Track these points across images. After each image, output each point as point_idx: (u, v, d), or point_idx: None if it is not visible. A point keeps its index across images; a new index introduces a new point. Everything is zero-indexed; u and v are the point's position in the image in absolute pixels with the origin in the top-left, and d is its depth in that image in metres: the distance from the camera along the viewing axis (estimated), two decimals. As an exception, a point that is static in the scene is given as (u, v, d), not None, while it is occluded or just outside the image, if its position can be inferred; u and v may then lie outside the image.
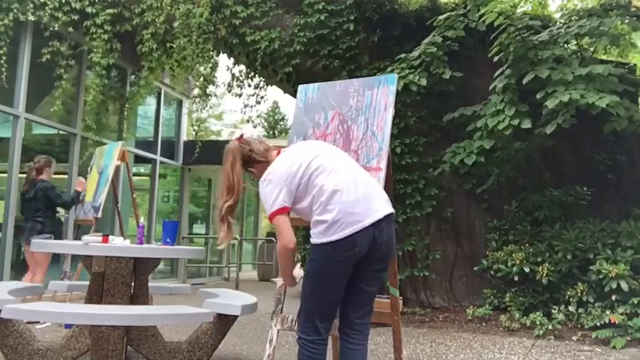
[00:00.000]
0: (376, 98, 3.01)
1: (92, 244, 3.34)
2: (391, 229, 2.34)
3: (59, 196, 5.42)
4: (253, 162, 2.49)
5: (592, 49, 6.09)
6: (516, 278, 5.45)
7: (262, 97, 8.04)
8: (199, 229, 12.46)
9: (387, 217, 2.30)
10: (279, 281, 2.87)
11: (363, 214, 2.22)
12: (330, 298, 2.29)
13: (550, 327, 5.02)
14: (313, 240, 2.25)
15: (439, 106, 6.44)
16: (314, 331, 2.28)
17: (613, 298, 4.90)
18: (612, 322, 4.73)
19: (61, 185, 7.56)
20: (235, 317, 3.51)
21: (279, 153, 2.50)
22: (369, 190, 2.32)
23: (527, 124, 5.10)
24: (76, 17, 6.75)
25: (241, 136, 2.56)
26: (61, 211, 5.86)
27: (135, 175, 9.28)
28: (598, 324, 4.84)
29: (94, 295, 3.45)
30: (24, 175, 5.79)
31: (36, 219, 5.25)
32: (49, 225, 5.31)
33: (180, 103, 10.84)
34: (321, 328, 2.28)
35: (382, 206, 2.30)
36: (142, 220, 4.03)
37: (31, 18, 6.48)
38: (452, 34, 5.88)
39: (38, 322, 4.75)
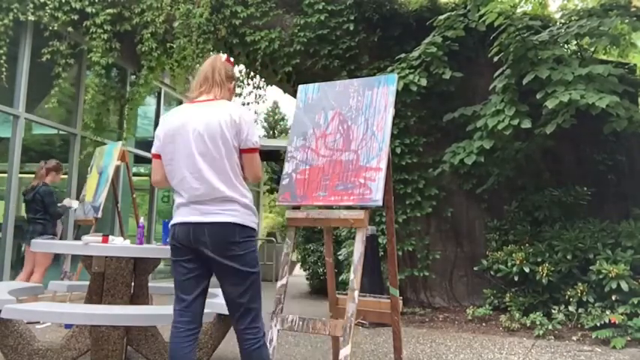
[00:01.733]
0: (376, 98, 3.02)
1: (92, 244, 3.34)
2: (222, 234, 2.25)
3: (53, 204, 5.41)
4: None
5: (592, 50, 6.09)
6: (516, 278, 5.46)
7: (262, 97, 8.04)
8: (199, 229, 12.43)
9: (216, 223, 2.25)
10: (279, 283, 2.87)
11: (189, 211, 2.30)
12: (176, 281, 2.40)
13: (550, 327, 5.02)
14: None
15: (439, 106, 6.44)
16: (174, 314, 2.36)
17: (613, 298, 4.90)
18: (612, 322, 4.73)
19: (61, 185, 7.57)
20: (235, 317, 3.50)
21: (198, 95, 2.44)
22: (206, 194, 2.29)
23: (527, 124, 5.10)
24: (75, 17, 6.75)
25: (228, 59, 2.67)
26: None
27: (135, 175, 9.27)
28: (598, 324, 4.84)
29: (94, 295, 3.45)
30: (24, 175, 5.79)
31: (37, 220, 5.27)
32: (51, 227, 5.32)
33: (180, 103, 10.82)
34: (175, 311, 2.36)
35: (212, 212, 2.26)
36: (142, 220, 4.02)
37: (31, 18, 6.48)
38: (452, 34, 5.88)
39: (38, 322, 4.75)
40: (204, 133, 2.26)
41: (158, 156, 2.40)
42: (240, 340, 2.33)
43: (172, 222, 2.42)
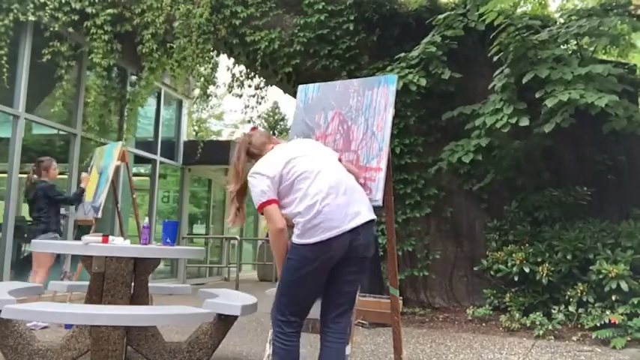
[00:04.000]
0: (376, 98, 3.01)
1: (92, 244, 3.35)
2: (369, 235, 2.41)
3: (60, 194, 5.42)
4: (251, 155, 2.63)
5: (592, 49, 6.09)
6: (516, 278, 5.45)
7: (262, 98, 8.03)
8: (199, 229, 12.46)
9: (367, 223, 2.39)
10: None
11: (341, 220, 2.32)
12: (302, 296, 2.39)
13: (550, 327, 5.02)
14: (292, 239, 2.36)
15: (439, 106, 6.44)
16: (287, 325, 2.38)
17: (613, 298, 4.90)
18: (612, 322, 4.73)
19: (61, 185, 7.57)
20: (235, 317, 3.51)
21: (273, 144, 2.65)
22: (351, 196, 2.40)
23: (525, 122, 5.10)
24: (76, 17, 6.75)
25: (253, 128, 2.73)
26: (64, 211, 5.85)
27: (135, 175, 9.27)
28: (598, 324, 4.84)
29: (94, 295, 3.45)
30: (24, 176, 5.78)
31: (40, 219, 5.24)
32: (54, 224, 5.28)
33: (180, 104, 10.84)
34: (294, 322, 2.38)
35: (362, 212, 2.39)
36: (146, 220, 4.02)
37: (31, 18, 6.48)
38: (451, 33, 5.88)
39: (36, 329, 4.75)
40: None
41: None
42: (327, 334, 2.43)
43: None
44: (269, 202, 2.38)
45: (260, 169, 2.46)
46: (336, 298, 2.44)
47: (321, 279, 2.38)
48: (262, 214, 2.43)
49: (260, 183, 2.41)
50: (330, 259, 2.32)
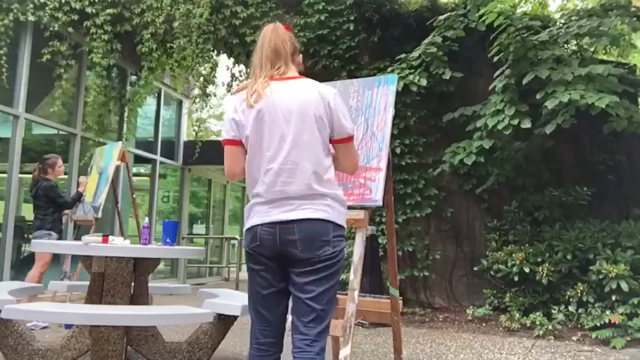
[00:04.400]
0: (376, 98, 3.02)
1: (92, 244, 3.34)
2: (310, 230, 1.96)
3: (60, 196, 5.43)
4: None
5: (592, 50, 6.09)
6: (516, 278, 5.45)
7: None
8: (199, 229, 12.46)
9: (305, 220, 1.97)
10: None
11: (272, 209, 1.98)
12: (254, 295, 2.07)
13: (550, 327, 5.02)
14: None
15: (439, 106, 6.44)
16: (251, 335, 2.10)
17: (613, 298, 4.90)
18: (612, 322, 4.73)
19: (61, 185, 7.57)
20: (235, 317, 3.50)
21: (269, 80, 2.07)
22: (293, 186, 1.99)
23: (527, 124, 5.10)
24: (75, 17, 6.75)
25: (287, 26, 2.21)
26: (68, 213, 5.86)
27: (135, 175, 9.28)
28: (598, 324, 4.84)
29: (94, 295, 3.45)
30: (24, 175, 5.78)
31: (37, 217, 5.29)
32: (50, 222, 5.29)
33: (180, 104, 10.84)
34: (256, 330, 2.08)
35: (300, 208, 1.98)
36: (146, 220, 4.02)
37: (31, 18, 6.48)
38: (452, 34, 5.88)
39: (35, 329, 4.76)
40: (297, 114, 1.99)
41: (237, 142, 2.04)
42: (296, 345, 2.04)
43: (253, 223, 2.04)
44: (227, 142, 2.09)
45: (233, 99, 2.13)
46: (296, 305, 2.06)
47: (267, 274, 2.04)
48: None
49: (226, 119, 2.11)
50: (259, 250, 2.00)
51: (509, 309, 5.50)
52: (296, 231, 1.95)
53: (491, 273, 5.82)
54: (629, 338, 4.68)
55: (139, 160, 9.36)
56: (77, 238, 5.89)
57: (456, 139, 5.96)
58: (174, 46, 6.87)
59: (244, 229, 2.10)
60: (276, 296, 2.08)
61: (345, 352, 2.55)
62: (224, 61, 7.89)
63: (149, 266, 3.69)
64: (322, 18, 6.61)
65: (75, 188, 7.21)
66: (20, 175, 6.44)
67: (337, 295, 3.32)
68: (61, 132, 7.46)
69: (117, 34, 7.06)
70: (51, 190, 5.31)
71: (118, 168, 5.75)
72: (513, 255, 5.51)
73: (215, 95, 8.25)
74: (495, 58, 5.60)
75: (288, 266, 2.02)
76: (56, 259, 6.55)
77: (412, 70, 5.84)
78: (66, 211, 5.68)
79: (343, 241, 2.06)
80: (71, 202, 5.62)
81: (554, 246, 5.50)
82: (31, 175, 5.65)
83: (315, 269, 1.97)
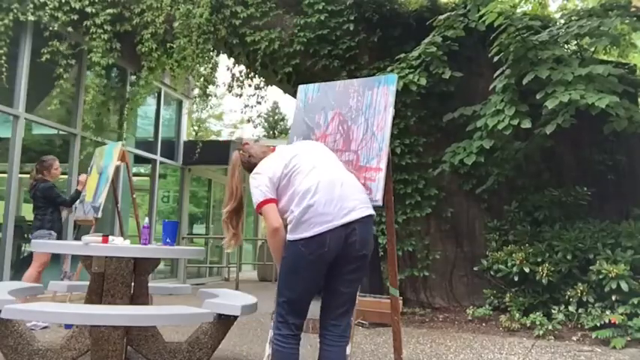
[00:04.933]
0: (376, 98, 3.01)
1: (92, 244, 3.34)
2: (366, 231, 2.37)
3: (59, 195, 5.44)
4: (254, 166, 2.58)
5: (592, 50, 6.09)
6: (516, 278, 5.45)
7: (262, 98, 8.03)
8: (199, 229, 12.46)
9: (363, 218, 2.35)
10: None
11: (333, 215, 2.28)
12: (300, 294, 2.35)
13: (550, 327, 5.02)
14: (287, 236, 2.34)
15: (439, 106, 6.44)
16: (285, 327, 2.35)
17: (613, 298, 4.90)
18: (612, 322, 4.73)
19: (61, 185, 7.56)
20: (235, 317, 3.50)
21: (273, 151, 2.63)
22: (347, 190, 2.37)
23: (527, 124, 5.10)
24: (75, 17, 6.76)
25: (244, 144, 2.69)
26: (65, 212, 5.85)
27: (135, 175, 9.27)
28: (598, 324, 4.84)
29: (94, 295, 3.45)
30: (24, 176, 5.78)
31: (36, 217, 5.30)
32: (49, 221, 5.31)
33: (180, 104, 10.84)
34: (292, 324, 2.35)
35: (357, 208, 2.35)
36: (146, 220, 4.02)
37: (31, 18, 6.48)
38: (452, 33, 5.88)
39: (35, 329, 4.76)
40: None
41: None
42: (326, 337, 2.41)
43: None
44: (267, 202, 2.37)
45: (260, 169, 2.47)
46: (335, 299, 2.40)
47: (316, 277, 2.33)
48: (260, 214, 2.41)
49: (259, 182, 2.41)
50: (323, 254, 2.28)
51: (509, 309, 5.50)
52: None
53: (491, 273, 5.82)
54: (629, 338, 4.68)
55: (138, 160, 9.36)
56: (77, 238, 5.89)
57: (456, 139, 5.96)
58: (174, 46, 6.87)
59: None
60: None
61: (345, 353, 2.55)
62: (224, 61, 7.90)
63: (149, 266, 3.69)
64: (322, 18, 6.61)
65: (74, 188, 7.21)
66: (20, 175, 6.44)
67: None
68: (60, 132, 7.46)
69: (117, 33, 7.06)
70: (49, 191, 5.32)
71: (118, 168, 5.75)
72: (513, 255, 5.51)
73: (215, 95, 8.26)
74: (495, 58, 5.60)
75: None
76: (56, 259, 6.55)
77: (412, 70, 5.83)
78: (66, 215, 5.69)
79: None
80: (70, 200, 5.63)
81: (554, 246, 5.50)
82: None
83: None
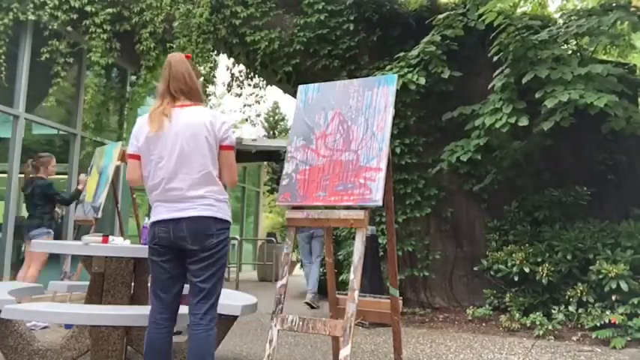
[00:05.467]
0: (376, 98, 3.02)
1: (92, 244, 3.35)
2: (197, 227, 2.47)
3: (57, 193, 5.45)
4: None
5: (591, 50, 6.09)
6: (516, 278, 5.45)
7: (262, 97, 8.03)
8: (199, 229, 12.43)
9: (191, 217, 2.48)
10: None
11: (164, 209, 2.51)
12: (154, 280, 2.57)
13: (550, 327, 5.02)
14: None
15: (439, 106, 6.44)
16: (150, 311, 2.56)
17: (613, 298, 4.90)
18: (612, 322, 4.73)
19: (61, 185, 7.56)
20: (235, 317, 3.51)
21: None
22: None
23: (524, 122, 5.10)
24: (75, 16, 6.76)
25: (188, 55, 2.73)
26: (59, 210, 5.85)
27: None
28: (598, 324, 4.84)
29: (94, 295, 3.45)
30: (24, 176, 5.77)
31: (34, 215, 5.28)
32: (47, 220, 5.31)
33: (180, 103, 10.81)
34: (154, 308, 2.55)
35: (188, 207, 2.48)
36: (146, 220, 4.02)
37: (31, 17, 6.48)
38: (451, 33, 5.88)
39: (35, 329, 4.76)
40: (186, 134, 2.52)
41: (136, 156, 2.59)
42: (193, 322, 2.51)
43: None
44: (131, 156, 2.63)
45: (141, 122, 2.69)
46: (191, 288, 2.54)
47: (166, 263, 2.54)
48: None
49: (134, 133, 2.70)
50: (157, 243, 2.52)
51: (509, 309, 5.49)
52: None
53: (492, 273, 5.81)
54: (629, 338, 4.68)
55: (138, 159, 9.34)
56: (77, 238, 5.89)
57: (456, 138, 5.95)
58: (174, 46, 6.87)
59: None
60: None
61: (345, 352, 2.56)
62: (224, 61, 7.90)
63: (149, 266, 3.68)
64: (322, 18, 6.61)
65: (74, 188, 7.21)
66: (20, 175, 6.43)
67: (338, 295, 3.34)
68: (60, 132, 7.46)
69: (116, 33, 7.06)
70: (49, 188, 5.31)
71: (118, 168, 5.75)
72: (513, 255, 5.51)
73: (215, 95, 8.26)
74: (495, 58, 5.60)
75: None
76: (56, 259, 6.56)
77: (411, 69, 5.83)
78: (60, 212, 5.68)
79: None
80: (69, 199, 5.62)
81: (554, 246, 5.50)
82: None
83: None
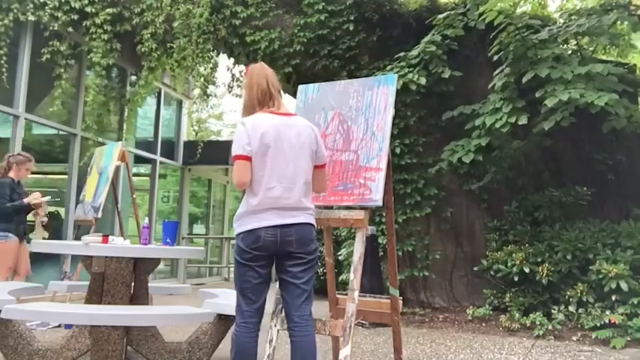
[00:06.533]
0: (376, 98, 3.02)
1: (92, 244, 3.35)
2: (303, 232, 2.53)
3: (3, 196, 4.69)
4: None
5: (591, 49, 6.09)
6: (516, 278, 5.45)
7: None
8: (199, 229, 12.46)
9: (300, 224, 2.53)
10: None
11: (273, 215, 2.49)
12: (246, 284, 2.54)
13: (550, 327, 5.02)
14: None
15: (439, 105, 6.44)
16: (239, 314, 2.58)
17: (613, 298, 4.90)
18: (612, 322, 4.73)
19: (60, 185, 7.57)
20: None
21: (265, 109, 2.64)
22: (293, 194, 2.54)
23: (523, 120, 5.10)
24: (75, 17, 6.76)
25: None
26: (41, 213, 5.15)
27: (135, 175, 9.27)
28: (598, 324, 4.84)
29: (94, 295, 3.45)
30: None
31: None
32: (5, 220, 4.69)
33: (180, 104, 10.84)
34: (244, 312, 2.57)
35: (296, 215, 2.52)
36: (146, 220, 4.02)
37: (31, 18, 6.48)
38: (451, 32, 5.88)
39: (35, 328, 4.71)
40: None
41: (248, 158, 2.52)
42: (293, 328, 2.59)
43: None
44: (242, 157, 2.51)
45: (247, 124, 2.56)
46: (290, 292, 2.57)
47: (260, 269, 2.52)
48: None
49: (241, 137, 2.53)
50: (260, 249, 2.49)
51: (509, 309, 5.49)
52: None
53: (492, 273, 5.82)
54: (629, 338, 4.68)
55: (139, 160, 9.36)
56: (77, 238, 5.88)
57: (456, 138, 5.95)
58: (174, 46, 6.87)
59: None
60: None
61: (345, 352, 2.56)
62: (224, 61, 7.89)
63: (149, 266, 3.69)
64: (322, 18, 6.61)
65: (75, 189, 7.21)
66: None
67: (338, 295, 3.34)
68: (61, 132, 7.46)
69: (116, 33, 7.06)
70: (0, 187, 4.71)
71: (118, 168, 5.74)
72: (513, 255, 5.51)
73: (215, 95, 8.25)
74: (495, 57, 5.60)
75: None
76: (56, 259, 6.56)
77: (411, 69, 5.83)
78: (39, 212, 5.02)
79: None
80: (10, 208, 4.69)
81: (554, 246, 5.50)
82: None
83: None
